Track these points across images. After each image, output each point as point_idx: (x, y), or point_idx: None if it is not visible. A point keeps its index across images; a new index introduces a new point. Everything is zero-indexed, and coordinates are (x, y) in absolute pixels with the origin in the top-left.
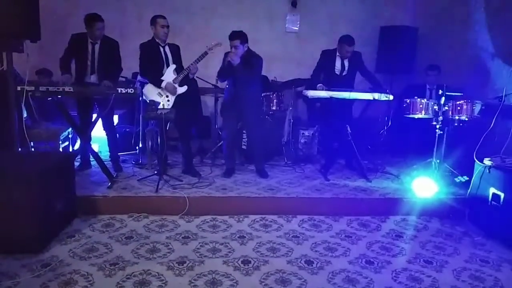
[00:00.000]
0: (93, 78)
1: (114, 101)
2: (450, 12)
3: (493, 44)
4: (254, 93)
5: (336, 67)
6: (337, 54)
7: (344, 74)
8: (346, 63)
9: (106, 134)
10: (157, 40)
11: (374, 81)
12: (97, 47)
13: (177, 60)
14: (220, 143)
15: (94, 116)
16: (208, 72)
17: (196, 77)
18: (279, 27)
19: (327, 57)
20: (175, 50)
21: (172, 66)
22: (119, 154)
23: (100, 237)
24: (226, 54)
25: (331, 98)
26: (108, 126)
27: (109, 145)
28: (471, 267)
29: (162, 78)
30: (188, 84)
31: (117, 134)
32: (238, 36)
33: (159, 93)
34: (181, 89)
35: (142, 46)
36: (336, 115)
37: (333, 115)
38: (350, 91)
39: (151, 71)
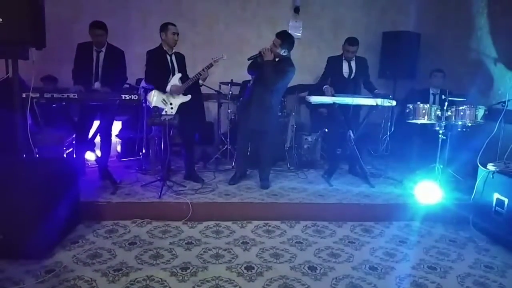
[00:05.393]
0: (97, 85)
1: (116, 108)
2: (452, 17)
3: (495, 49)
4: (272, 99)
5: (344, 70)
6: (343, 58)
7: (352, 77)
8: (353, 65)
9: (101, 140)
10: (164, 48)
11: (371, 91)
12: (101, 55)
13: (182, 69)
14: (224, 149)
15: (95, 122)
16: (211, 79)
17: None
18: None
19: (333, 62)
20: (181, 59)
21: (178, 75)
22: (123, 160)
23: (103, 243)
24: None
25: (334, 103)
26: (105, 133)
27: (101, 150)
28: (476, 273)
29: (168, 85)
30: (192, 92)
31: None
32: (282, 37)
33: (164, 100)
34: (185, 98)
35: (149, 53)
36: (343, 120)
37: (340, 120)
38: (355, 96)
39: (157, 78)
